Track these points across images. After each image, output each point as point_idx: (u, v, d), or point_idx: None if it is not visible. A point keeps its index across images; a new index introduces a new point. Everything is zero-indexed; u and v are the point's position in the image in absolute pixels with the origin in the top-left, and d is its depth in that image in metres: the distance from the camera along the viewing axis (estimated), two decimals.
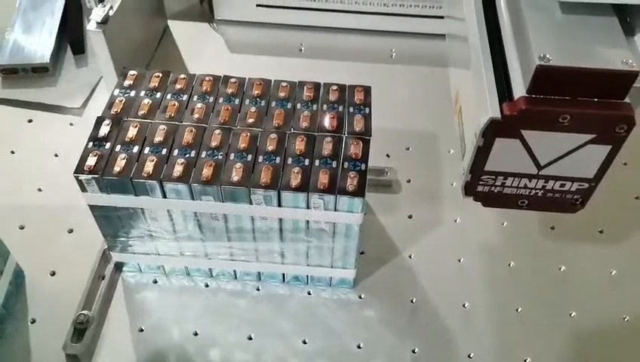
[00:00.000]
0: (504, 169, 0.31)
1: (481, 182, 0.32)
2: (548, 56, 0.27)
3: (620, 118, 0.28)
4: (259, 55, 0.68)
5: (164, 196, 0.42)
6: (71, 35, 0.68)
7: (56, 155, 0.59)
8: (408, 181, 0.57)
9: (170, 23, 0.72)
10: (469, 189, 0.33)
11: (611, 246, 0.53)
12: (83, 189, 0.42)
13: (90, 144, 0.43)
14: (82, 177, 0.41)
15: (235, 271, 0.49)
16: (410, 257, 0.52)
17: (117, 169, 0.41)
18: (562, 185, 0.32)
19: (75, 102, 0.63)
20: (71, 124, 0.61)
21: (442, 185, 0.57)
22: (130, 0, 0.60)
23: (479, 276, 0.51)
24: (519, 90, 0.28)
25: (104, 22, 0.56)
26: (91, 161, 0.41)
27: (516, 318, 0.48)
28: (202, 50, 0.70)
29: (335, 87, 0.46)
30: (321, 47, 0.69)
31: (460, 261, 0.52)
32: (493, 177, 0.32)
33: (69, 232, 0.53)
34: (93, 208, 0.44)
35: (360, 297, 0.49)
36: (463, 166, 0.33)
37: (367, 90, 0.46)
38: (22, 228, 0.53)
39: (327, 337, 0.47)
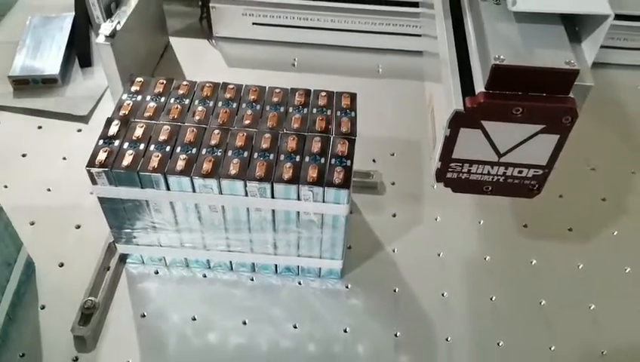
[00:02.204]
0: (469, 157, 0.36)
1: (449, 169, 0.37)
2: (502, 57, 0.32)
3: (565, 111, 0.32)
4: (254, 69, 0.73)
5: (168, 188, 0.46)
6: (78, 50, 0.73)
7: (64, 158, 0.63)
8: (392, 183, 0.61)
9: (171, 39, 0.77)
10: (440, 176, 0.37)
11: (579, 243, 0.57)
12: (93, 182, 0.46)
13: (101, 142, 0.47)
14: (93, 170, 0.45)
15: (231, 262, 0.53)
16: (393, 251, 0.56)
17: (125, 163, 0.45)
18: (520, 172, 0.36)
19: (82, 111, 0.67)
20: (78, 130, 0.66)
21: (423, 187, 0.61)
22: (136, 17, 0.65)
23: (457, 269, 0.55)
24: (479, 86, 0.33)
25: (112, 35, 0.60)
26: (102, 156, 0.46)
27: (490, 306, 0.53)
28: (201, 65, 0.74)
29: (324, 94, 0.51)
30: (312, 62, 0.74)
31: (439, 255, 0.56)
32: (460, 164, 0.36)
33: (77, 228, 0.57)
34: (102, 200, 0.48)
35: (347, 287, 0.53)
36: (435, 155, 0.37)
37: (352, 96, 0.51)
38: (32, 223, 0.57)
39: (315, 322, 0.51)
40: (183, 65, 0.74)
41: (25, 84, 0.69)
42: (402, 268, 0.55)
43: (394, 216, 0.59)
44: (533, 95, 0.32)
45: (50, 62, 0.70)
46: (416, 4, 0.71)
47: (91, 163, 0.45)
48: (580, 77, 0.33)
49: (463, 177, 0.37)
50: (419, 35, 0.72)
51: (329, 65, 0.74)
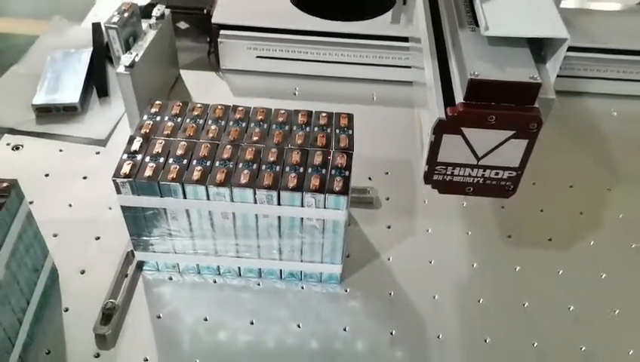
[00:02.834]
0: (452, 160, 0.41)
1: (436, 172, 0.42)
2: (477, 73, 0.38)
3: (531, 118, 0.38)
4: (258, 98, 0.79)
5: (185, 197, 0.51)
6: (97, 81, 0.79)
7: (84, 178, 0.68)
8: (387, 199, 0.67)
9: (182, 72, 0.83)
10: (427, 178, 0.43)
11: (558, 252, 0.62)
12: (118, 191, 0.51)
13: (125, 156, 0.52)
14: (119, 180, 0.50)
15: (239, 268, 0.58)
16: (388, 259, 0.61)
17: (147, 174, 0.50)
18: (497, 174, 0.42)
19: (101, 135, 0.73)
20: (97, 153, 0.71)
21: (416, 201, 0.67)
22: (151, 51, 0.71)
23: (447, 275, 0.60)
24: (459, 97, 0.39)
25: (131, 66, 0.66)
26: (126, 168, 0.51)
27: (478, 307, 0.57)
28: (209, 95, 0.80)
29: (324, 114, 0.57)
30: (312, 91, 0.81)
31: (430, 262, 0.61)
32: (445, 167, 0.42)
33: (96, 239, 0.62)
34: (124, 209, 0.53)
35: (346, 291, 0.58)
36: (422, 160, 0.42)
37: (350, 117, 0.57)
38: (55, 235, 0.61)
39: (317, 322, 0.55)
40: (193, 94, 0.80)
41: (47, 112, 0.75)
42: (397, 274, 0.59)
43: (389, 227, 0.64)
44: (504, 105, 0.38)
45: (70, 92, 0.76)
46: (405, 40, 0.78)
47: (117, 174, 0.51)
48: (544, 91, 0.39)
49: (448, 179, 0.42)
50: (408, 67, 0.79)
51: (327, 94, 0.80)
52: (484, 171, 0.42)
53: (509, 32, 0.40)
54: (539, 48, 0.42)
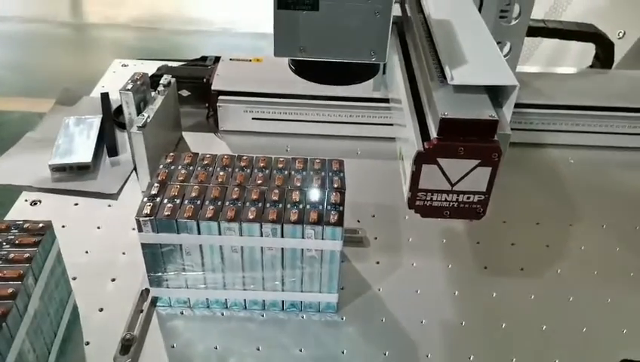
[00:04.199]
0: (431, 187, 0.49)
1: (417, 198, 0.50)
2: (447, 113, 0.46)
3: (493, 149, 0.47)
4: (255, 155, 0.87)
5: (199, 233, 0.58)
6: (107, 143, 0.87)
7: (98, 228, 0.74)
8: (375, 238, 0.74)
9: (184, 133, 0.91)
10: (410, 204, 0.50)
11: (530, 279, 0.70)
12: (140, 230, 0.58)
13: (145, 199, 0.59)
14: (141, 219, 0.57)
15: (245, 300, 0.64)
16: (379, 290, 0.67)
17: (165, 213, 0.57)
18: (468, 198, 0.50)
19: (112, 190, 0.80)
20: (109, 206, 0.78)
21: (401, 240, 0.74)
22: (159, 115, 0.80)
23: (432, 302, 0.66)
24: (433, 134, 0.47)
25: (143, 126, 0.75)
26: (147, 209, 0.58)
27: (462, 329, 0.64)
28: (210, 152, 0.88)
29: (318, 160, 0.65)
30: (302, 148, 0.89)
31: (417, 292, 0.67)
32: (425, 193, 0.49)
33: (112, 281, 0.67)
34: (144, 246, 0.59)
35: (342, 319, 0.64)
36: (405, 187, 0.50)
37: (341, 162, 0.65)
38: (74, 278, 0.67)
39: (318, 346, 0.61)
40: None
41: (62, 171, 0.82)
42: (387, 303, 0.66)
43: (377, 263, 0.71)
44: (470, 138, 0.47)
45: (83, 153, 0.84)
46: (385, 101, 0.88)
47: (139, 214, 0.57)
48: (502, 127, 0.48)
49: (428, 204, 0.50)
50: (389, 125, 0.89)
51: (316, 149, 0.89)
52: (457, 196, 0.50)
53: (471, 81, 0.49)
54: (495, 95, 0.51)
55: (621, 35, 1.34)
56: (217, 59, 0.96)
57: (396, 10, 0.67)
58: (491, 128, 0.47)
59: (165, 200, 0.59)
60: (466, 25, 0.59)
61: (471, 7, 0.64)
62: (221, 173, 0.63)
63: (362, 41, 0.54)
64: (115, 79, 1.01)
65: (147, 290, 0.64)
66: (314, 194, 0.60)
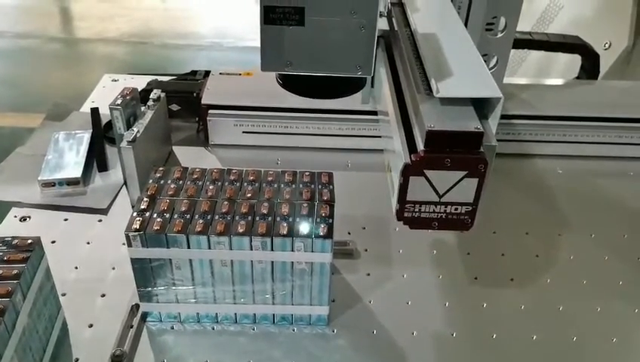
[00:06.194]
0: (418, 199, 0.49)
1: (406, 210, 0.50)
2: (433, 125, 0.47)
3: (479, 160, 0.47)
4: (245, 168, 0.87)
5: (189, 247, 0.58)
6: (97, 158, 0.87)
7: (88, 243, 0.74)
8: (365, 250, 0.74)
9: (174, 148, 0.91)
10: (399, 216, 0.51)
11: (520, 289, 0.70)
12: (129, 244, 0.58)
13: (135, 213, 0.59)
14: (130, 234, 0.57)
15: (235, 314, 0.64)
16: (370, 302, 0.67)
17: (155, 228, 0.57)
18: (456, 209, 0.50)
19: (102, 205, 0.80)
20: (99, 221, 0.78)
21: (391, 252, 0.74)
22: (150, 129, 0.80)
23: (423, 313, 0.67)
24: (420, 146, 0.48)
25: (133, 140, 0.75)
26: (136, 224, 0.58)
27: (452, 340, 0.64)
28: (200, 166, 0.88)
29: (307, 173, 0.66)
30: (293, 161, 0.90)
31: (408, 303, 0.68)
32: (413, 205, 0.50)
33: (102, 296, 0.67)
34: (134, 261, 0.59)
35: (333, 331, 0.64)
36: (393, 199, 0.51)
37: (330, 175, 0.65)
38: (64, 294, 0.67)
39: (309, 359, 0.61)
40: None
41: (52, 186, 0.82)
42: (378, 315, 0.66)
43: (368, 274, 0.71)
44: (457, 150, 0.47)
45: (72, 168, 0.84)
46: (375, 113, 0.89)
47: (128, 229, 0.57)
48: (488, 139, 0.48)
49: (416, 216, 0.50)
50: (377, 137, 0.89)
51: (306, 162, 0.89)
52: (445, 207, 0.50)
53: (456, 93, 0.50)
54: (481, 107, 0.52)
55: (607, 46, 1.36)
56: (207, 73, 0.97)
57: (384, 24, 0.67)
58: (477, 140, 0.47)
59: (155, 215, 0.59)
60: (451, 38, 0.59)
61: (456, 21, 0.65)
62: (211, 187, 0.63)
63: (348, 55, 0.54)
64: (105, 94, 1.01)
65: (137, 305, 0.64)
66: (303, 207, 0.60)
